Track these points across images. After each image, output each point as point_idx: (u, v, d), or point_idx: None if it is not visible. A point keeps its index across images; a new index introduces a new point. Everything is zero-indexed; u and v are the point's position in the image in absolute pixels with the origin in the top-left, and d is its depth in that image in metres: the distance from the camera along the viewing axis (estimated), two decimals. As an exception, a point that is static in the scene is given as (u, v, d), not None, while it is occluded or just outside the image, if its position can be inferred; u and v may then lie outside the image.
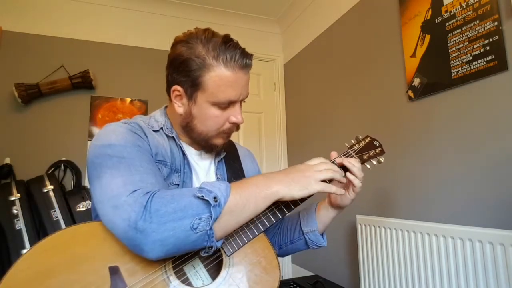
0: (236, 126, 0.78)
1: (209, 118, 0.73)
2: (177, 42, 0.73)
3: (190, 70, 0.70)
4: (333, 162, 0.79)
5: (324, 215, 0.85)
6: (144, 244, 0.55)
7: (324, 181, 0.68)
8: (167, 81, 0.77)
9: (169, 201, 0.57)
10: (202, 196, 0.58)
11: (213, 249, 0.60)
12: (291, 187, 0.65)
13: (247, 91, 0.76)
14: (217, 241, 0.60)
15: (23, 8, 2.30)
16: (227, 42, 0.70)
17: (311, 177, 0.67)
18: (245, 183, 0.64)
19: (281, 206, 0.71)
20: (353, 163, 0.77)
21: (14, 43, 2.24)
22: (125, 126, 0.72)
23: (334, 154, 0.81)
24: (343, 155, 0.82)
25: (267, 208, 0.70)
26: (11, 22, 2.25)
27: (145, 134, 0.74)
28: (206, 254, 0.61)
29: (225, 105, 0.72)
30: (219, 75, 0.69)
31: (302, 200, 0.71)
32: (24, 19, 2.29)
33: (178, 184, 0.75)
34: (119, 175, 0.61)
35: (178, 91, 0.73)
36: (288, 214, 0.72)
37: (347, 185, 0.79)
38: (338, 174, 0.72)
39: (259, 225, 0.68)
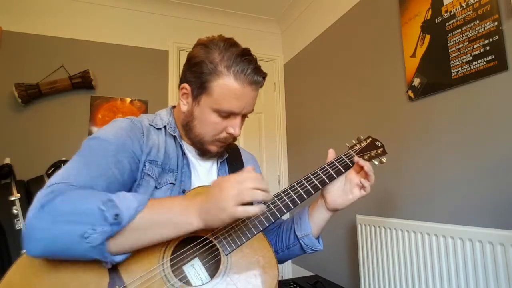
0: (233, 137, 0.78)
1: (208, 123, 0.74)
2: (198, 44, 0.75)
3: (201, 72, 0.71)
4: (351, 157, 0.80)
5: (318, 218, 0.82)
6: (28, 241, 0.53)
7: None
8: (180, 78, 0.79)
9: (73, 201, 0.54)
10: (103, 210, 0.53)
11: (108, 263, 0.57)
12: (208, 220, 0.59)
13: (252, 107, 0.76)
14: (113, 256, 0.55)
15: (23, 8, 2.31)
16: (244, 55, 0.70)
17: (227, 209, 0.57)
18: (164, 204, 0.60)
19: (280, 205, 0.71)
20: (370, 167, 0.78)
21: (14, 43, 2.24)
22: (128, 122, 0.74)
23: (332, 152, 0.82)
24: (344, 156, 0.82)
25: (267, 208, 0.70)
26: (11, 22, 2.25)
27: (143, 134, 0.74)
28: (107, 266, 0.58)
29: (226, 114, 0.73)
30: (226, 84, 0.70)
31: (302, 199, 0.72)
32: (24, 19, 2.29)
33: (173, 183, 0.75)
34: (67, 167, 0.62)
35: (186, 89, 0.75)
36: (288, 213, 0.72)
37: (352, 185, 0.80)
38: (266, 195, 0.60)
39: (258, 224, 0.68)
